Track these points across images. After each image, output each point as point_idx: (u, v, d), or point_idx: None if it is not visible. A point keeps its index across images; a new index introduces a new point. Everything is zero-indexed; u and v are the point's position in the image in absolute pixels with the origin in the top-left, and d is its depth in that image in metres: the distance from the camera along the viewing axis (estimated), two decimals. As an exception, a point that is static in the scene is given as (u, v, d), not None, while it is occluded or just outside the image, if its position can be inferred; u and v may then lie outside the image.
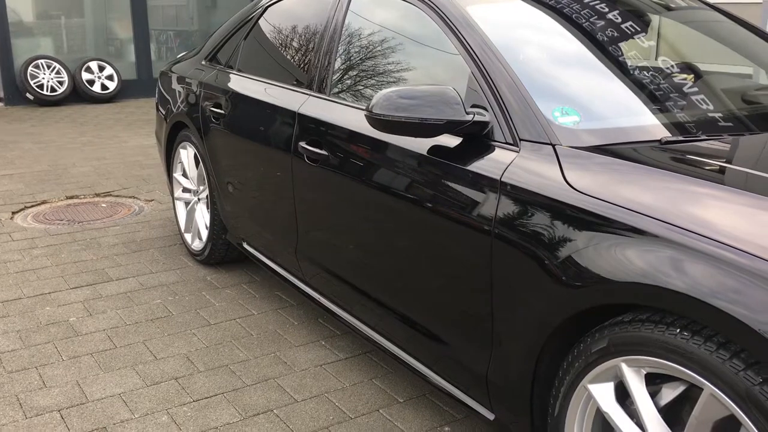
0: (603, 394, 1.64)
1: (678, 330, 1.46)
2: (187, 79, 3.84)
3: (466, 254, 1.97)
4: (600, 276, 1.58)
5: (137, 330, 3.09)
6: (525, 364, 1.82)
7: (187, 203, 4.03)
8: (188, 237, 3.97)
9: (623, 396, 1.63)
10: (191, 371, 2.74)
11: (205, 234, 3.78)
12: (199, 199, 3.88)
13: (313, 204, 2.70)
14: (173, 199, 4.12)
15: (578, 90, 2.16)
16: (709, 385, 1.40)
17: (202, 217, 3.84)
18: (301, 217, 2.79)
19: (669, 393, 1.57)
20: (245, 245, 3.45)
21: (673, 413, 1.55)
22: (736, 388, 1.34)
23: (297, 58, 3.03)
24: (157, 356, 2.86)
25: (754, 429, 1.32)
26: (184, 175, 3.99)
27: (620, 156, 1.80)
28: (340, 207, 2.53)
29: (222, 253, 3.74)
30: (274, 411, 2.48)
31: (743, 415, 1.34)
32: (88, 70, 10.01)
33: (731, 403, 1.36)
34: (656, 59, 2.54)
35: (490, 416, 2.03)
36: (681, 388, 1.54)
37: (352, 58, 2.69)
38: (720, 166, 1.79)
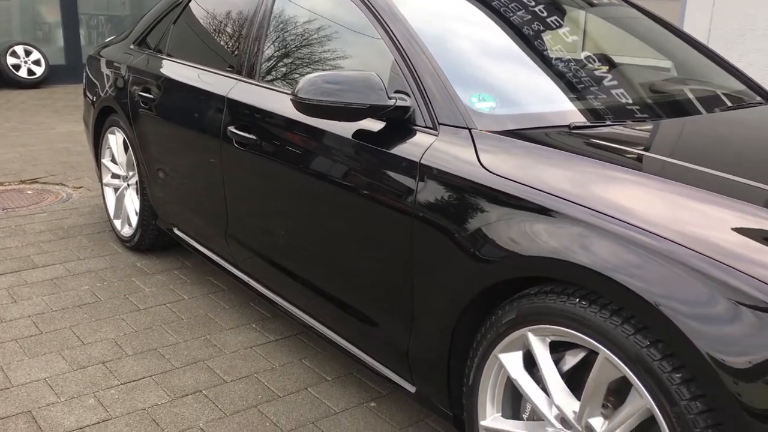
0: (512, 362, 1.75)
1: (577, 300, 1.57)
2: (115, 64, 3.80)
3: (388, 235, 2.05)
4: (512, 252, 1.68)
5: (64, 316, 3.06)
6: (442, 338, 1.91)
7: (116, 189, 3.99)
8: (118, 223, 3.93)
9: (531, 364, 1.73)
10: (119, 355, 2.75)
11: (134, 220, 3.76)
12: (128, 185, 3.85)
13: (242, 188, 2.73)
14: (102, 185, 4.07)
15: (496, 78, 2.26)
16: (604, 349, 1.51)
17: (132, 203, 3.82)
18: (230, 202, 2.82)
19: (571, 359, 1.69)
20: (176, 231, 3.45)
21: (575, 378, 1.66)
22: (627, 352, 1.46)
23: (226, 43, 3.05)
24: (84, 341, 2.85)
25: (643, 388, 1.44)
26: (113, 160, 3.95)
27: (532, 140, 1.90)
28: (269, 191, 2.58)
29: (152, 239, 3.72)
30: (203, 392, 2.51)
31: (633, 376, 1.46)
32: (14, 54, 9.68)
33: (623, 365, 1.48)
34: (576, 52, 2.67)
35: (412, 389, 2.12)
36: (581, 354, 1.67)
37: (281, 43, 2.73)
38: (623, 149, 1.91)
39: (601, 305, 1.53)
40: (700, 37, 5.46)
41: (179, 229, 3.42)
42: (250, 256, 2.82)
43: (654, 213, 1.52)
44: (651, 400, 1.43)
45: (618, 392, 1.59)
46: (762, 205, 1.50)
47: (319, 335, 2.50)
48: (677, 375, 1.39)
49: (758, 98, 2.64)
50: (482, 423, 1.84)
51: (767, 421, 1.27)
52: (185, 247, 3.41)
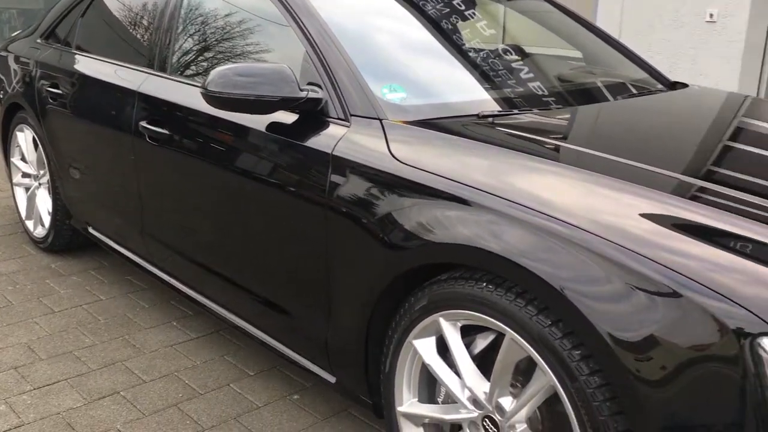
0: (426, 348, 1.79)
1: (484, 284, 1.62)
2: (22, 59, 3.65)
3: (303, 227, 2.05)
4: (423, 239, 1.71)
5: (-28, 322, 2.94)
6: (359, 327, 1.93)
7: (27, 189, 3.84)
8: (30, 224, 3.79)
9: (444, 349, 1.77)
10: (32, 360, 2.66)
11: (47, 220, 3.63)
12: (40, 184, 3.72)
13: (156, 184, 2.68)
14: (12, 185, 3.91)
15: (407, 69, 2.29)
16: (510, 330, 1.56)
17: (44, 202, 3.68)
18: (145, 199, 2.76)
19: (482, 342, 1.74)
20: (91, 230, 3.35)
21: (486, 360, 1.71)
22: (531, 332, 1.52)
23: (137, 35, 2.98)
24: (-5, 347, 2.74)
25: (546, 366, 1.50)
26: (23, 159, 3.80)
27: (441, 129, 1.94)
28: (184, 187, 2.54)
29: (67, 240, 3.60)
30: (121, 393, 2.46)
31: (537, 354, 1.52)
32: None
33: (527, 345, 1.53)
34: (489, 43, 2.73)
35: (332, 379, 2.13)
36: (491, 337, 1.72)
37: (192, 35, 2.69)
38: (529, 136, 1.97)
39: (507, 288, 1.58)
40: (612, 27, 5.66)
41: (94, 228, 3.33)
42: (168, 254, 2.77)
43: (558, 199, 1.57)
44: (553, 376, 1.49)
45: (526, 372, 1.64)
46: (660, 189, 1.58)
47: (241, 331, 2.48)
48: (577, 352, 1.45)
49: (659, 85, 2.76)
50: (399, 409, 1.88)
51: (656, 386, 1.34)
52: (102, 247, 3.32)
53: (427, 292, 1.75)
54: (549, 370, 1.50)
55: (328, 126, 2.05)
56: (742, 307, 1.28)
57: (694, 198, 1.59)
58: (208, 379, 2.56)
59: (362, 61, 2.14)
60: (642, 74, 2.85)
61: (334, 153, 1.96)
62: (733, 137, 2.16)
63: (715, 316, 1.29)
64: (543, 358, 1.50)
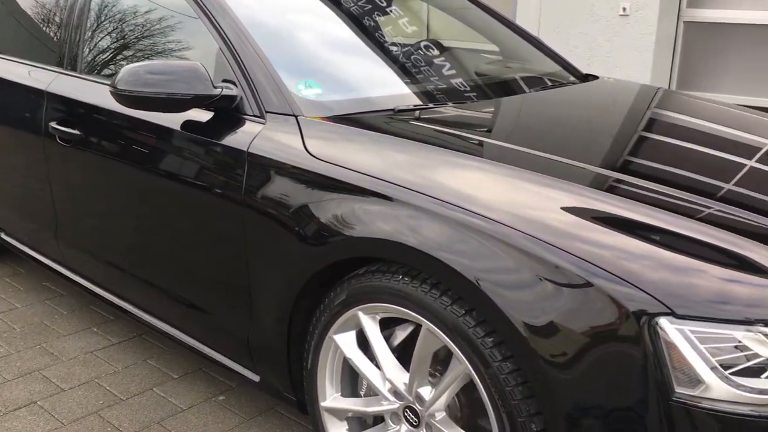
0: (346, 342, 1.80)
1: (401, 276, 1.64)
2: None
3: (222, 225, 2.03)
4: (342, 235, 1.72)
5: None
6: (280, 325, 1.93)
7: (-67, 195, 3.65)
8: (-63, 232, 3.61)
9: (365, 342, 1.79)
10: (-59, 373, 2.54)
11: (-44, 227, 3.47)
12: (-53, 190, 3.54)
13: (69, 187, 2.60)
14: None
15: (323, 65, 2.29)
16: (426, 321, 1.59)
17: (-48, 208, 3.51)
18: (58, 202, 2.67)
19: (401, 334, 1.76)
20: (4, 236, 3.22)
21: (406, 352, 1.73)
22: (446, 321, 1.55)
23: (45, 33, 2.88)
24: None
25: (461, 354, 1.53)
26: (-72, 164, 3.61)
27: (357, 124, 1.95)
28: (98, 188, 2.47)
29: (-22, 247, 3.45)
30: (38, 403, 2.38)
31: (452, 343, 1.55)
32: None
33: (443, 335, 1.56)
34: (407, 39, 2.75)
35: (256, 378, 2.12)
36: (410, 329, 1.74)
37: (103, 33, 2.61)
38: (444, 130, 2.01)
39: (422, 280, 1.60)
40: (531, 22, 5.79)
41: (8, 234, 3.20)
42: (85, 258, 2.69)
43: (473, 192, 1.61)
44: (468, 364, 1.52)
45: (444, 361, 1.67)
46: (574, 181, 1.63)
47: (163, 334, 2.44)
48: (489, 339, 1.49)
49: (572, 78, 2.85)
50: (323, 404, 1.88)
51: (563, 369, 1.39)
52: (17, 254, 3.19)
53: (345, 286, 1.76)
54: (464, 358, 1.53)
55: (243, 123, 2.03)
56: (643, 290, 1.34)
57: (608, 189, 1.66)
58: (131, 385, 2.50)
59: (277, 58, 2.13)
60: (555, 67, 2.93)
61: (249, 150, 1.94)
62: (644, 128, 2.25)
63: (619, 300, 1.35)
64: (458, 347, 1.54)
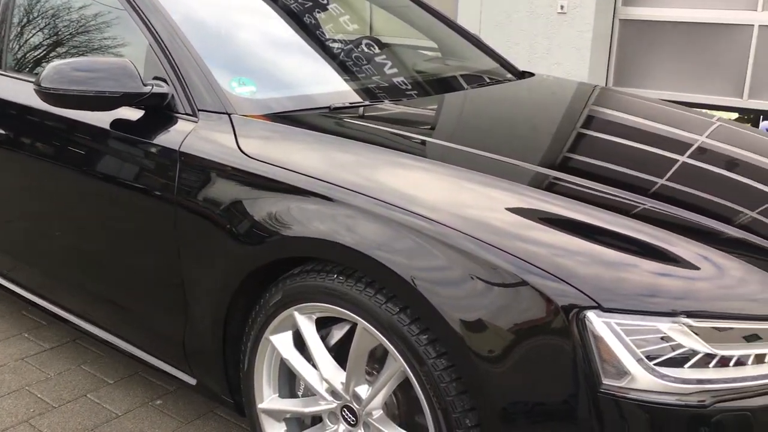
0: (283, 343, 1.78)
1: (336, 276, 1.63)
2: None
3: (154, 227, 1.98)
4: (276, 234, 1.69)
5: None
6: (215, 326, 1.89)
7: None
8: None
9: (302, 342, 1.77)
10: None
11: None
12: None
13: (-5, 188, 2.50)
14: None
15: (258, 62, 2.26)
16: (361, 320, 1.58)
17: None
18: (-16, 203, 2.57)
19: (338, 333, 1.75)
20: (-73, 240, 3.08)
21: (343, 351, 1.73)
22: (381, 320, 1.54)
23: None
24: None
25: (396, 352, 1.53)
26: None
27: (291, 123, 1.93)
28: (26, 190, 2.38)
29: None
30: (-36, 413, 2.29)
31: (387, 341, 1.54)
32: None
33: (378, 333, 1.56)
34: (346, 36, 2.74)
35: (192, 381, 2.08)
36: (347, 327, 1.73)
37: (29, 29, 2.52)
38: (382, 129, 2.00)
39: (356, 279, 1.60)
40: (472, 19, 5.85)
41: (-69, 238, 3.06)
42: (14, 263, 2.60)
43: (410, 191, 1.61)
44: (403, 362, 1.52)
45: (381, 359, 1.67)
46: (513, 180, 1.65)
47: (98, 340, 2.37)
48: (424, 337, 1.49)
49: (509, 75, 2.88)
50: (260, 406, 1.86)
51: (496, 364, 1.41)
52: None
53: (281, 287, 1.74)
54: (399, 356, 1.53)
55: (175, 122, 1.98)
56: (573, 286, 1.37)
57: (547, 188, 1.68)
58: (63, 391, 2.43)
59: (210, 54, 2.09)
60: (493, 64, 2.96)
61: (181, 150, 1.90)
62: (581, 126, 2.29)
63: (549, 296, 1.37)
64: (393, 345, 1.54)
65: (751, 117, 5.21)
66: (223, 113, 1.94)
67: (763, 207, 1.75)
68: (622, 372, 1.32)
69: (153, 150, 1.97)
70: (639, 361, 1.32)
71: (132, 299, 2.17)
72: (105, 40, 2.32)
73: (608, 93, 2.89)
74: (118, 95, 1.94)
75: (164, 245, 1.95)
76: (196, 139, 1.90)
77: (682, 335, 1.33)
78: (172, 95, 2.01)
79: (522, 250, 1.43)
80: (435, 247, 1.48)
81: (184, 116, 1.98)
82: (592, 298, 1.34)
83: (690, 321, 1.33)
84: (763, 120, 5.15)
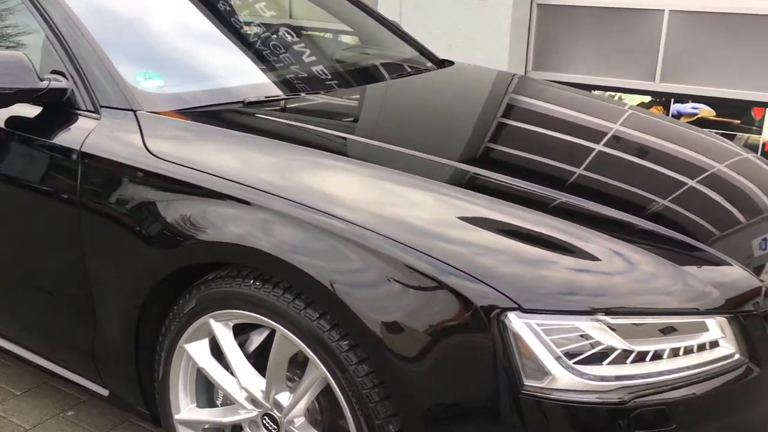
0: (199, 351, 1.70)
1: (252, 281, 1.56)
2: None
3: (57, 230, 1.86)
4: (188, 238, 1.61)
5: None
6: (126, 335, 1.80)
7: None
8: None
9: (220, 350, 1.70)
10: None
11: None
12: None
13: None
14: None
15: (166, 53, 2.15)
16: (279, 326, 1.53)
17: None
18: None
19: (257, 338, 1.69)
20: None
21: (262, 357, 1.67)
22: (300, 326, 1.49)
23: None
24: None
25: (316, 359, 1.49)
26: None
27: (203, 119, 1.84)
28: None
29: None
30: None
31: (307, 348, 1.49)
32: None
33: (297, 340, 1.51)
34: (263, 26, 2.64)
35: (105, 392, 1.98)
36: (266, 333, 1.67)
37: None
38: (297, 125, 1.93)
39: (274, 284, 1.53)
40: (393, 5, 5.78)
41: None
42: None
43: (328, 193, 1.55)
44: (324, 369, 1.48)
45: (302, 365, 1.62)
46: (436, 179, 1.62)
47: (3, 351, 2.22)
48: (344, 342, 1.45)
49: (429, 63, 2.85)
50: (177, 417, 1.78)
51: (417, 368, 1.38)
52: None
53: (194, 293, 1.66)
54: (320, 363, 1.48)
55: (76, 119, 1.86)
56: (492, 287, 1.35)
57: (467, 185, 1.66)
58: (-36, 407, 2.27)
59: (113, 46, 1.96)
60: (412, 52, 2.92)
61: (83, 150, 1.78)
62: (500, 118, 2.28)
63: (469, 297, 1.35)
64: (313, 351, 1.49)
65: (663, 100, 5.37)
66: (128, 110, 1.82)
67: (674, 195, 1.77)
68: (543, 372, 1.32)
69: (53, 150, 1.84)
70: (559, 360, 1.32)
71: (36, 306, 2.04)
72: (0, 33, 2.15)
73: (526, 82, 2.90)
74: (12, 91, 1.80)
75: (68, 250, 1.84)
76: (99, 138, 1.79)
77: (601, 332, 1.34)
78: (72, 90, 1.88)
79: (440, 251, 1.40)
80: (353, 250, 1.44)
81: (86, 113, 1.85)
82: (512, 299, 1.33)
83: (608, 318, 1.33)
84: (674, 103, 5.32)
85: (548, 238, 1.46)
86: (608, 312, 1.34)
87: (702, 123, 5.19)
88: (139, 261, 1.71)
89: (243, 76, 2.21)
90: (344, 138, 1.87)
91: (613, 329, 1.34)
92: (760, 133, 4.99)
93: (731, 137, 5.08)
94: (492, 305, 1.34)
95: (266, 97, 2.05)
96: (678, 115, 5.27)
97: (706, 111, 5.18)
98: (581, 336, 1.34)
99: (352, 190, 1.58)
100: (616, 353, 1.33)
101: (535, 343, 1.32)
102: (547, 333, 1.32)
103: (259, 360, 1.67)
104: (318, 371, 1.50)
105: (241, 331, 1.69)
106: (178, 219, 1.64)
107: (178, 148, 1.72)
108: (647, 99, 5.40)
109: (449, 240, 1.44)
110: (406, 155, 1.76)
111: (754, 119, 5.01)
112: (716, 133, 5.14)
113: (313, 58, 2.57)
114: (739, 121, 5.06)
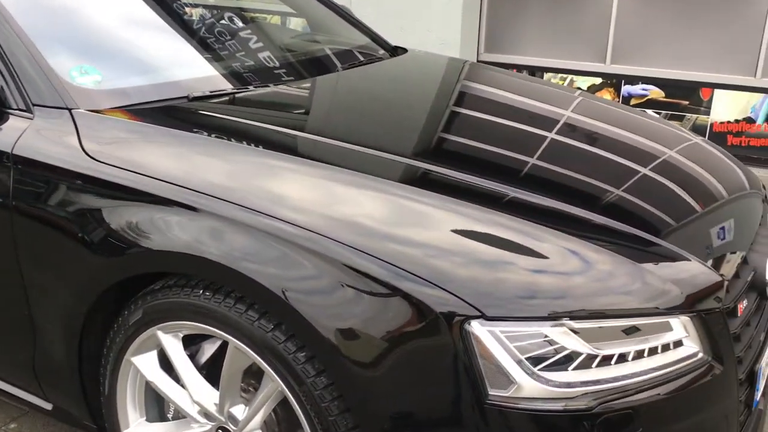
0: (147, 364, 1.62)
1: (201, 291, 1.48)
2: None
3: (-11, 239, 1.74)
4: (134, 247, 1.52)
5: None
6: (68, 347, 1.69)
7: None
8: None
9: (169, 362, 1.61)
10: None
11: None
12: None
13: None
14: None
15: (103, 46, 2.02)
16: (232, 338, 1.45)
17: None
18: None
19: (209, 349, 1.61)
20: None
21: (216, 367, 1.59)
22: (254, 338, 1.42)
23: None
24: None
25: (272, 372, 1.42)
26: None
27: (144, 117, 1.74)
28: None
29: None
30: None
31: (262, 361, 1.42)
32: None
33: (251, 352, 1.43)
34: (207, 15, 2.52)
35: (48, 406, 1.87)
36: (218, 343, 1.59)
37: None
38: (245, 123, 1.83)
39: (225, 294, 1.46)
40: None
41: None
42: None
43: (279, 197, 1.48)
44: (281, 382, 1.41)
45: (258, 374, 1.54)
46: (389, 178, 1.55)
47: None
48: (301, 354, 1.38)
49: (381, 51, 2.77)
50: (126, 432, 1.70)
51: (375, 379, 1.33)
52: None
53: (140, 304, 1.56)
54: (276, 376, 1.42)
55: (6, 119, 1.73)
56: (450, 292, 1.30)
57: (419, 183, 1.60)
58: None
59: (45, 39, 1.83)
60: (364, 39, 2.84)
61: (14, 152, 1.66)
62: (453, 110, 2.22)
63: (429, 304, 1.30)
64: (269, 364, 1.42)
65: (613, 82, 5.40)
66: (63, 108, 1.71)
67: (626, 185, 1.74)
68: (508, 381, 1.28)
69: (-19, 152, 1.71)
70: (523, 368, 1.28)
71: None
72: None
73: (478, 70, 2.83)
74: (-68, 90, 1.66)
75: (2, 258, 1.72)
76: (33, 139, 1.67)
77: (565, 337, 1.30)
78: (2, 87, 1.75)
79: (394, 253, 1.34)
80: (305, 257, 1.37)
81: (17, 112, 1.73)
82: (474, 306, 1.28)
83: (572, 323, 1.30)
84: (624, 84, 5.36)
85: (503, 237, 1.41)
86: (571, 316, 1.30)
87: (652, 104, 5.26)
88: (82, 270, 1.61)
89: (187, 68, 2.10)
90: (294, 136, 1.79)
91: (576, 333, 1.30)
92: (708, 113, 5.07)
93: (680, 118, 5.15)
94: (453, 312, 1.28)
95: (212, 92, 1.95)
96: (628, 97, 5.31)
97: (655, 92, 5.23)
98: (545, 342, 1.30)
99: (302, 192, 1.51)
100: (581, 358, 1.30)
101: (499, 351, 1.27)
102: (511, 340, 1.28)
103: (211, 371, 1.60)
104: (274, 384, 1.44)
105: (191, 341, 1.61)
106: (120, 226, 1.54)
107: (118, 150, 1.62)
108: (598, 81, 5.42)
109: (402, 242, 1.38)
110: (357, 153, 1.69)
111: (702, 100, 5.08)
112: (666, 114, 5.21)
113: (261, 45, 2.47)
114: (687, 102, 5.13)
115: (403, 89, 2.39)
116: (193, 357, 1.60)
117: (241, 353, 1.46)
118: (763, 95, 4.86)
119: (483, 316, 1.27)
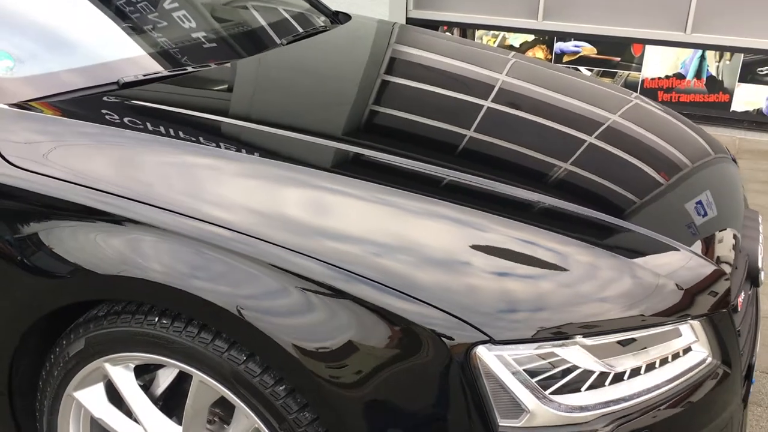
0: (93, 399, 1.41)
1: (157, 319, 1.27)
2: None
3: None
4: (68, 268, 1.29)
5: None
6: (-4, 383, 1.46)
7: None
8: None
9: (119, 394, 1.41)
10: None
11: None
12: None
13: None
14: None
15: (15, 27, 1.72)
16: (197, 372, 1.26)
17: None
18: None
19: (165, 378, 1.41)
20: None
21: (174, 398, 1.40)
22: (222, 371, 1.23)
23: None
24: None
25: (246, 408, 1.24)
26: None
27: (67, 111, 1.48)
28: None
29: None
30: None
31: (234, 396, 1.24)
32: None
33: (220, 386, 1.25)
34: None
35: (-25, 447, 1.63)
36: (176, 372, 1.39)
37: None
38: (179, 113, 1.58)
39: (186, 321, 1.26)
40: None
41: None
42: None
43: (220, 200, 1.27)
44: (257, 419, 1.24)
45: (226, 404, 1.36)
46: (343, 174, 1.36)
47: None
48: (281, 388, 1.21)
49: (323, 17, 2.54)
50: (71, 474, 1.49)
51: (369, 412, 1.17)
52: None
53: (82, 332, 1.35)
54: (251, 413, 1.24)
55: None
56: (454, 316, 1.15)
57: (385, 178, 1.41)
58: None
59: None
60: (304, 5, 2.60)
61: None
62: (386, 75, 2.04)
63: (417, 323, 1.14)
64: (242, 400, 1.24)
65: (546, 39, 5.32)
66: (-32, 103, 1.43)
67: (573, 158, 1.59)
68: (519, 409, 1.15)
69: None
70: (535, 393, 1.15)
71: None
72: None
73: (419, 36, 2.62)
74: None
75: None
76: (-65, 142, 1.40)
77: (577, 355, 1.17)
78: None
79: (377, 266, 1.18)
80: (259, 269, 1.19)
81: None
82: (481, 331, 1.13)
83: (585, 340, 1.17)
84: (557, 41, 5.29)
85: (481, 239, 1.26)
86: (584, 332, 1.18)
87: (584, 61, 5.21)
88: (5, 299, 1.37)
89: (115, 49, 1.82)
90: (232, 126, 1.55)
91: (586, 349, 1.18)
92: (640, 69, 5.07)
93: (612, 75, 5.13)
94: (453, 335, 1.14)
95: (144, 76, 1.69)
96: (561, 54, 5.24)
97: (588, 49, 5.18)
98: (553, 363, 1.17)
99: (246, 195, 1.30)
100: (593, 377, 1.18)
101: (508, 377, 1.14)
102: (519, 363, 1.15)
103: (169, 401, 1.40)
104: (249, 421, 1.26)
105: (144, 370, 1.41)
106: (48, 245, 1.31)
107: (37, 152, 1.36)
108: (530, 38, 5.33)
109: (382, 254, 1.21)
110: (298, 141, 1.48)
111: (634, 56, 5.07)
112: (598, 71, 5.18)
113: (196, 20, 2.20)
114: (619, 59, 5.10)
115: (345, 64, 2.17)
116: (146, 388, 1.40)
117: (208, 387, 1.27)
118: (692, 51, 4.88)
119: (491, 341, 1.13)
